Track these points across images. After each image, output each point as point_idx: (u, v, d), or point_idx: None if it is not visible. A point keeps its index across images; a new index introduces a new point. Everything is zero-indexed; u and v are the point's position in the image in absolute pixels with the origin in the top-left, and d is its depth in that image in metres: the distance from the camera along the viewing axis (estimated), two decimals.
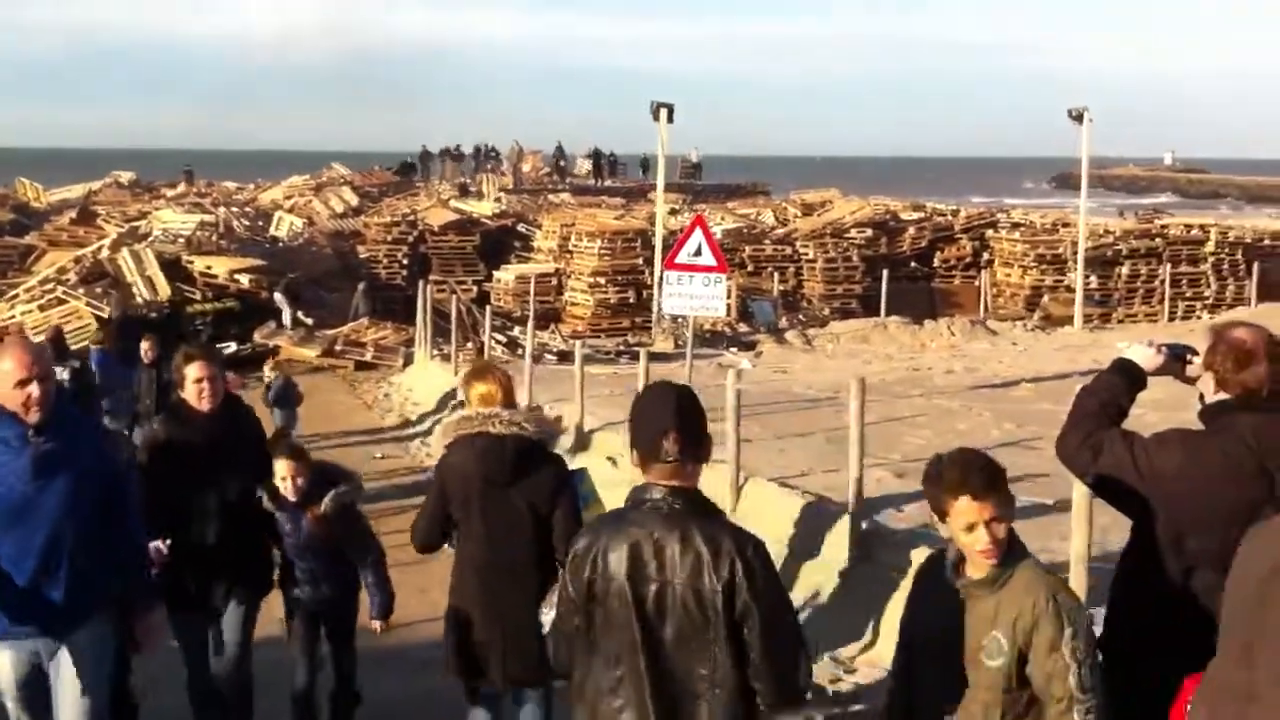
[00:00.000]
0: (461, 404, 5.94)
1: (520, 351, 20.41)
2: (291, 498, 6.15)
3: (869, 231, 31.98)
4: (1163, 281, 30.61)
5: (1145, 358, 4.30)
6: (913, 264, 32.34)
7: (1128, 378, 4.28)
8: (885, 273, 29.39)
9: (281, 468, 6.16)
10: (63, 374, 11.50)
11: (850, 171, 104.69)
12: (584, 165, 52.56)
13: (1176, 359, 4.29)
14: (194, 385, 5.99)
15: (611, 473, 12.77)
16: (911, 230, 33.04)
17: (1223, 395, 4.04)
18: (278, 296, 24.48)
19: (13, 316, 22.69)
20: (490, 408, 5.36)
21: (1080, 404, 4.28)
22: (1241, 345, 4.00)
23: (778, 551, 9.81)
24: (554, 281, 28.43)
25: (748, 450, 11.61)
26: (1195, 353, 4.25)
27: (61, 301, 22.93)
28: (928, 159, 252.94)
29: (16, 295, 23.95)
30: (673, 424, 3.73)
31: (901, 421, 14.04)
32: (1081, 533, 6.66)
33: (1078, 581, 6.71)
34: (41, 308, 22.84)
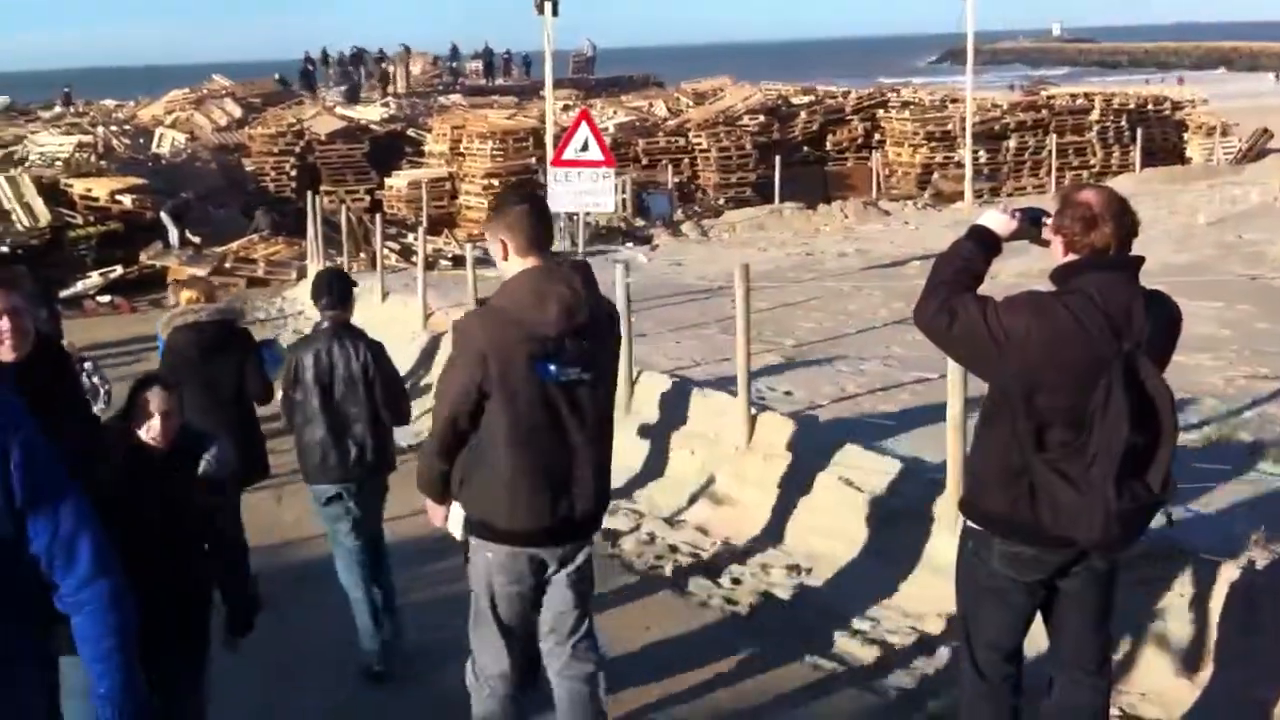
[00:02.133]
0: None
1: (414, 258, 20.20)
2: (162, 444, 4.55)
3: (761, 118, 31.95)
4: (1050, 152, 31.04)
5: (999, 223, 4.39)
6: (805, 148, 32.42)
7: (982, 244, 4.37)
8: (778, 159, 29.43)
9: (153, 400, 4.54)
10: None
11: (742, 58, 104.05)
12: (474, 66, 51.73)
13: (1033, 223, 4.38)
14: None
15: None
16: (803, 115, 33.06)
17: (1073, 257, 4.16)
18: (163, 216, 23.90)
19: None
20: (196, 304, 7.81)
21: (936, 271, 4.38)
22: (1088, 207, 4.10)
23: (674, 440, 9.97)
24: (447, 185, 28.09)
25: (641, 345, 11.69)
26: (1049, 215, 4.34)
27: None
28: (819, 41, 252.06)
29: None
30: (326, 289, 6.90)
31: (794, 307, 14.22)
32: (957, 396, 6.82)
33: (954, 445, 6.90)
34: None
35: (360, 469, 6.70)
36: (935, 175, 30.57)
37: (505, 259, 4.62)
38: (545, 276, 4.52)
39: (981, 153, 29.80)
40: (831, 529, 8.11)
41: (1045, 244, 4.34)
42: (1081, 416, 3.99)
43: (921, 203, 27.31)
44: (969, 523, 4.42)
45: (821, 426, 9.07)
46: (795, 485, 8.60)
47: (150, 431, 4.55)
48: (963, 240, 4.44)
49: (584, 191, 14.20)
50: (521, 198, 4.80)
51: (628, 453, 10.37)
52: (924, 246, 18.65)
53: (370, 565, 6.82)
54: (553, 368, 4.47)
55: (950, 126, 31.19)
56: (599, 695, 4.86)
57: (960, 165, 28.71)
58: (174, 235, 23.71)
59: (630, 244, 22.34)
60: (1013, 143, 31.32)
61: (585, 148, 14.17)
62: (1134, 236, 4.15)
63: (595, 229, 22.86)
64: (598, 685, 4.86)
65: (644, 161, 29.96)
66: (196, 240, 23.81)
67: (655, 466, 10.01)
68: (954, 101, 32.82)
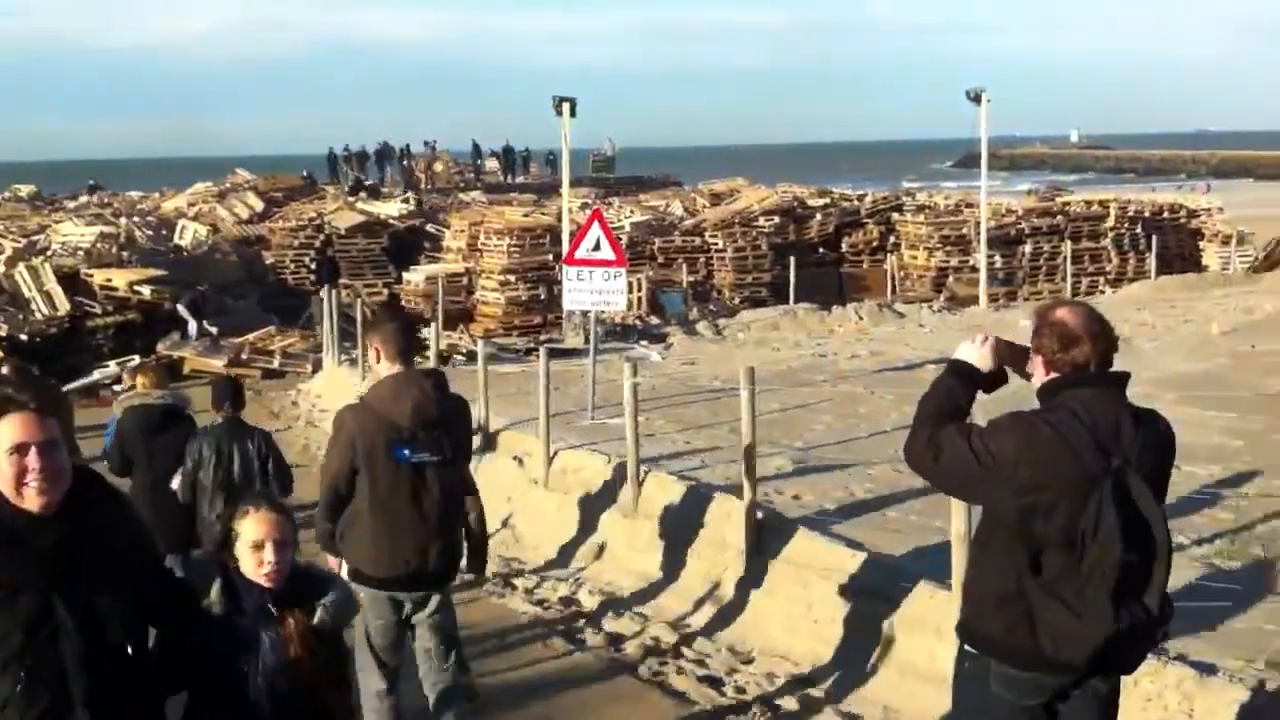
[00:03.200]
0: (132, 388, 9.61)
1: (428, 353, 20.26)
2: (268, 583, 3.69)
3: (777, 219, 32.15)
4: (1065, 258, 31.12)
5: (976, 355, 4.35)
6: (821, 250, 32.57)
7: (962, 378, 4.33)
8: (793, 260, 29.58)
9: (257, 527, 3.71)
10: None
11: (760, 160, 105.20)
12: (492, 164, 52.37)
13: (1020, 352, 4.34)
14: (11, 463, 3.21)
15: (517, 472, 12.78)
16: (819, 216, 33.27)
17: (1054, 375, 4.14)
18: (180, 309, 24.09)
19: None
20: (148, 389, 8.90)
21: (919, 410, 4.35)
22: (1064, 325, 4.09)
23: (680, 544, 9.87)
24: (464, 281, 28.26)
25: (650, 444, 11.66)
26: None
27: None
28: (837, 144, 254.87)
29: None
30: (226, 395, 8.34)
31: (805, 408, 14.17)
32: (960, 514, 6.75)
33: (958, 560, 6.81)
34: None
35: None
36: (950, 279, 30.65)
37: (378, 362, 6.01)
38: (405, 381, 5.85)
39: (997, 257, 29.90)
40: (837, 637, 8.00)
41: (1027, 377, 4.32)
42: (1073, 538, 3.93)
43: (937, 306, 27.33)
44: (967, 646, 4.34)
45: (829, 532, 8.99)
46: (801, 592, 8.51)
47: (262, 568, 3.70)
48: (943, 375, 4.42)
49: (596, 291, 14.24)
50: (393, 317, 7.27)
51: (633, 554, 10.32)
52: (938, 350, 18.62)
53: None
54: (406, 451, 5.78)
55: (965, 231, 31.32)
56: (463, 700, 6.26)
57: (975, 269, 28.79)
58: (192, 326, 23.88)
59: (644, 342, 22.39)
60: (1028, 248, 31.42)
61: (597, 247, 14.24)
62: (1114, 352, 4.12)
63: (610, 326, 22.95)
64: (461, 693, 6.23)
65: (660, 260, 30.13)
66: (214, 331, 23.95)
67: (661, 570, 9.92)
68: (969, 206, 33.02)
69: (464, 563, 6.75)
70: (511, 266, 27.29)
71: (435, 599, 6.02)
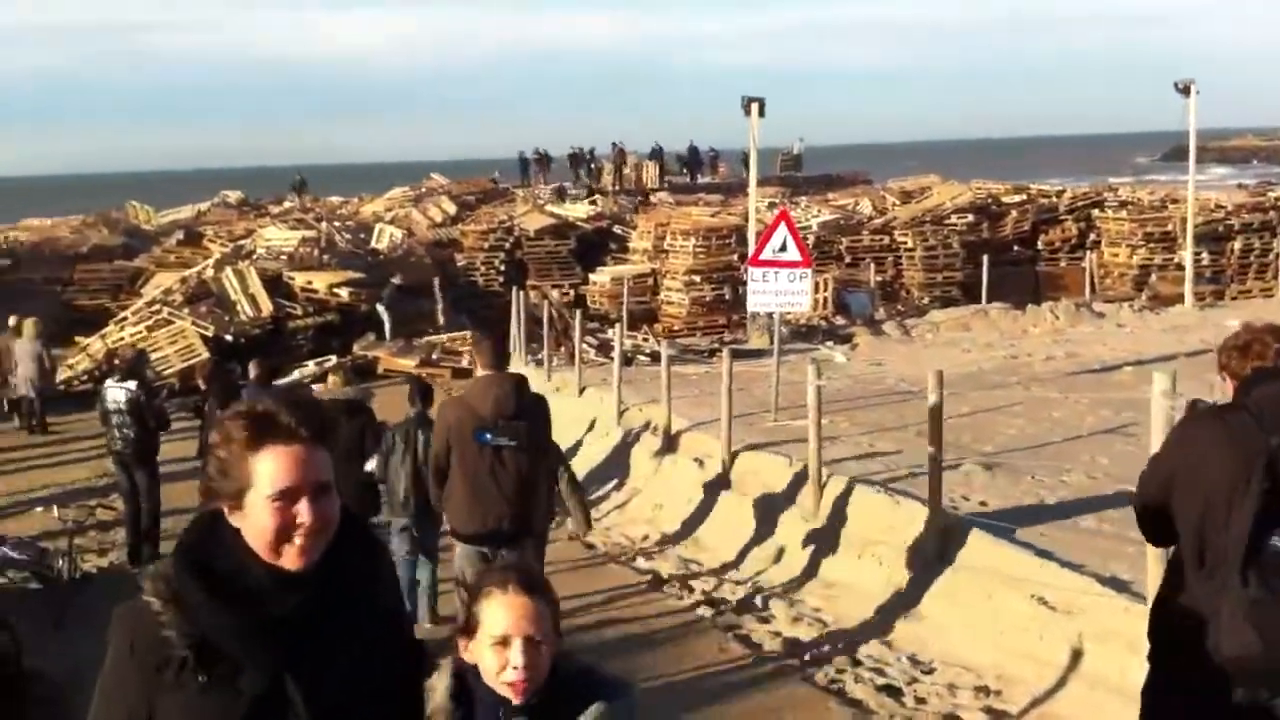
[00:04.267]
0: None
1: (613, 354, 20.36)
2: (514, 696, 2.68)
3: (970, 217, 31.36)
4: (1277, 255, 29.50)
5: None
6: (1016, 248, 31.63)
7: None
8: (986, 258, 28.76)
9: (503, 615, 2.70)
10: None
11: (953, 155, 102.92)
12: (676, 165, 52.38)
13: None
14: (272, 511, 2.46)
15: (697, 473, 12.70)
16: (1014, 213, 32.32)
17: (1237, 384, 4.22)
18: (380, 309, 24.71)
19: (122, 338, 23.28)
20: (338, 387, 10.87)
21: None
22: (1237, 335, 4.31)
23: (861, 548, 9.63)
24: (649, 281, 28.35)
25: (833, 447, 11.43)
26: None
27: (168, 322, 23.48)
28: (1036, 138, 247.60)
29: (125, 318, 24.58)
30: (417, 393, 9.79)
31: (997, 412, 13.72)
32: None
33: (1153, 570, 6.43)
34: (149, 329, 23.40)
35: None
36: (1153, 277, 29.36)
37: (479, 368, 7.52)
38: (493, 382, 7.25)
39: (1204, 254, 28.53)
40: (1024, 650, 7.67)
41: None
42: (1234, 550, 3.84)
43: (1138, 305, 26.19)
44: (1153, 651, 4.25)
45: (1017, 540, 8.63)
46: (987, 602, 8.19)
47: (504, 673, 2.67)
48: None
49: (781, 292, 14.05)
50: (489, 335, 8.69)
51: (813, 558, 10.11)
52: (1138, 351, 17.85)
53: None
54: (487, 435, 7.10)
55: (1170, 227, 29.98)
56: None
57: (1180, 267, 27.51)
58: (388, 327, 24.50)
59: (829, 343, 22.06)
60: (1238, 244, 29.89)
61: (783, 248, 14.05)
62: None
63: (794, 327, 22.68)
64: None
65: (847, 259, 29.70)
66: (388, 337, 24.55)
67: (841, 575, 9.71)
68: (1174, 201, 31.59)
69: (571, 524, 8.87)
70: (696, 267, 27.27)
71: (514, 553, 7.03)
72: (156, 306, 24.46)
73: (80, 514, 12.02)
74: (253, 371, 12.57)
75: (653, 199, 40.92)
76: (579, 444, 15.82)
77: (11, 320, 21.09)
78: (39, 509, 12.95)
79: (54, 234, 38.44)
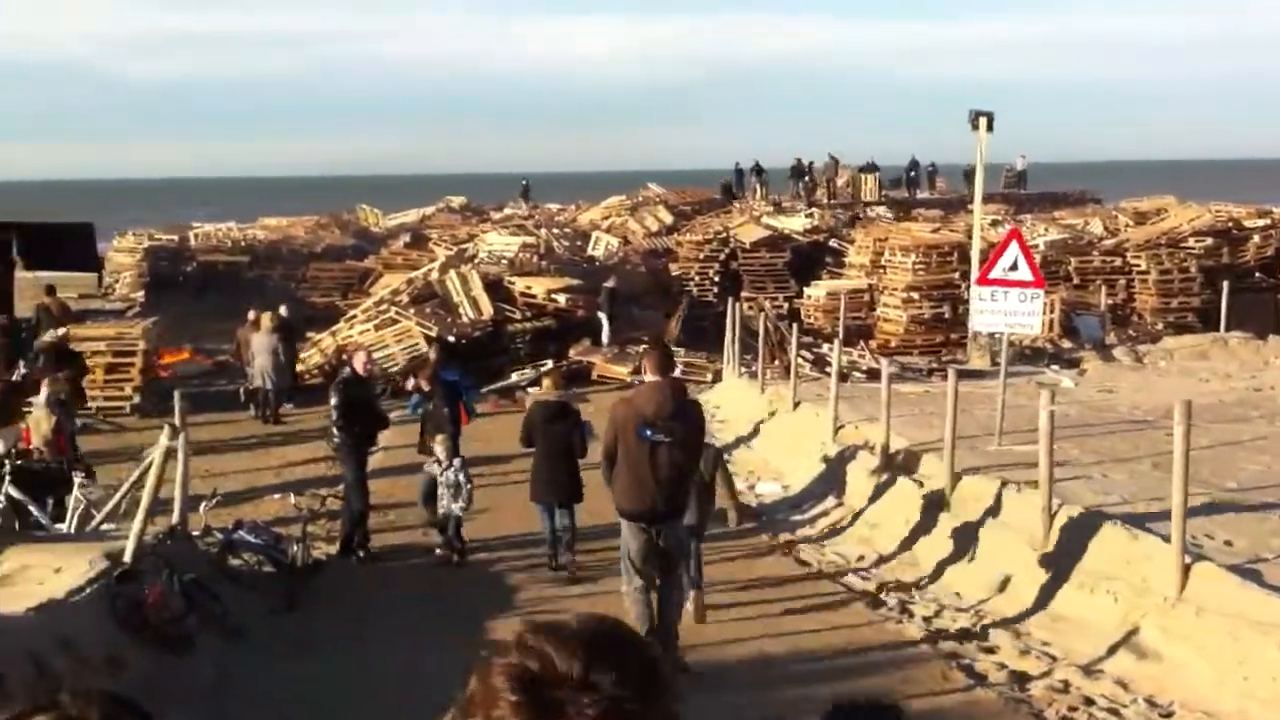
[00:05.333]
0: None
1: (828, 369, 20.07)
2: None
3: (1209, 240, 29.87)
4: None
5: None
6: (1258, 274, 29.97)
7: None
8: (1226, 284, 27.31)
9: None
10: None
11: (1189, 176, 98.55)
12: (866, 179, 51.31)
13: None
14: None
15: (916, 494, 12.39)
16: (1256, 238, 30.66)
17: None
18: (600, 316, 24.89)
19: (350, 335, 24.13)
20: (551, 390, 12.39)
21: None
22: None
23: (1093, 582, 9.20)
24: (866, 297, 27.90)
25: (1063, 474, 10.98)
26: None
27: (394, 321, 24.22)
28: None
29: (355, 315, 25.48)
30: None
31: (1238, 446, 12.97)
32: None
33: None
34: (377, 327, 24.19)
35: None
36: None
37: (647, 375, 8.84)
38: (657, 387, 8.54)
39: None
40: (1273, 697, 7.18)
41: None
42: None
43: None
44: None
45: (1266, 583, 8.10)
46: (1232, 646, 7.71)
47: None
48: None
49: (1010, 312, 13.60)
50: (656, 345, 10.98)
51: (1041, 589, 9.72)
52: None
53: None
54: (648, 432, 8.32)
55: None
56: (682, 600, 9.13)
57: None
58: (606, 332, 24.68)
59: (1055, 366, 21.29)
60: None
61: (1014, 267, 13.60)
62: None
63: (1018, 349, 21.96)
64: (683, 594, 9.23)
65: (1075, 281, 28.65)
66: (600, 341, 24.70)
67: (1071, 608, 9.30)
68: None
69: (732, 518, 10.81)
70: (916, 284, 26.71)
71: (667, 530, 8.55)
72: (384, 306, 25.27)
73: (312, 502, 12.44)
74: (433, 355, 13.67)
75: (870, 213, 40.33)
76: (792, 459, 15.65)
77: (251, 314, 22.10)
78: (276, 496, 13.46)
79: (290, 233, 40.29)
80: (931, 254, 27.39)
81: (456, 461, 12.19)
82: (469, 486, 12.10)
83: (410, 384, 15.98)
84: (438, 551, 12.21)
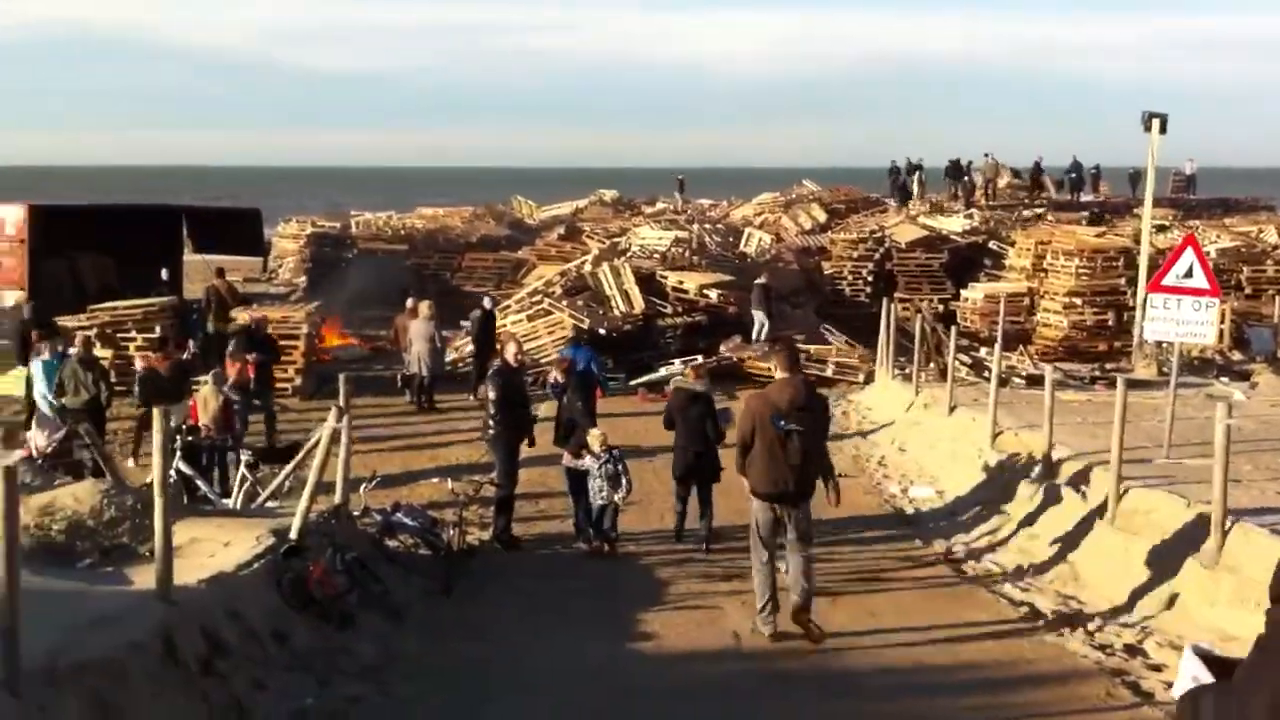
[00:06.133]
0: None
1: (986, 373, 19.63)
2: None
3: None
4: None
5: None
6: None
7: None
8: None
9: None
10: None
11: None
12: (1050, 180, 49.97)
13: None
14: None
15: (1079, 506, 12.03)
16: None
17: None
18: (755, 314, 24.71)
19: (503, 325, 24.44)
20: (692, 379, 13.37)
21: None
22: None
23: (1264, 604, 8.79)
24: (1025, 301, 27.23)
25: (1236, 491, 10.54)
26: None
27: (547, 313, 24.45)
28: None
29: (509, 305, 25.79)
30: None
31: None
32: None
33: None
34: (529, 318, 24.45)
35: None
36: None
37: (778, 371, 9.81)
38: (787, 383, 9.56)
39: None
40: None
41: None
42: None
43: None
44: None
45: None
46: None
47: None
48: None
49: (1183, 321, 13.11)
50: (785, 347, 10.77)
51: (1211, 610, 9.36)
52: None
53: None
54: (781, 422, 9.30)
55: None
56: (810, 570, 9.78)
57: None
58: (761, 328, 24.50)
59: (1224, 378, 20.51)
60: None
61: (1189, 274, 13.10)
62: None
63: (1185, 359, 21.19)
64: (810, 564, 9.79)
65: (1248, 291, 27.56)
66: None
67: (1245, 631, 8.84)
68: None
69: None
70: (1078, 289, 25.98)
71: (796, 511, 9.57)
72: (537, 297, 25.54)
73: (468, 488, 12.62)
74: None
75: (1030, 215, 39.35)
76: (948, 464, 15.35)
77: (409, 301, 22.54)
78: (434, 480, 13.68)
79: (446, 223, 41.00)
80: (1096, 258, 26.62)
81: (615, 452, 12.29)
82: (628, 478, 12.22)
83: (550, 376, 16.12)
84: (589, 544, 12.28)
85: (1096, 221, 33.85)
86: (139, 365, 16.54)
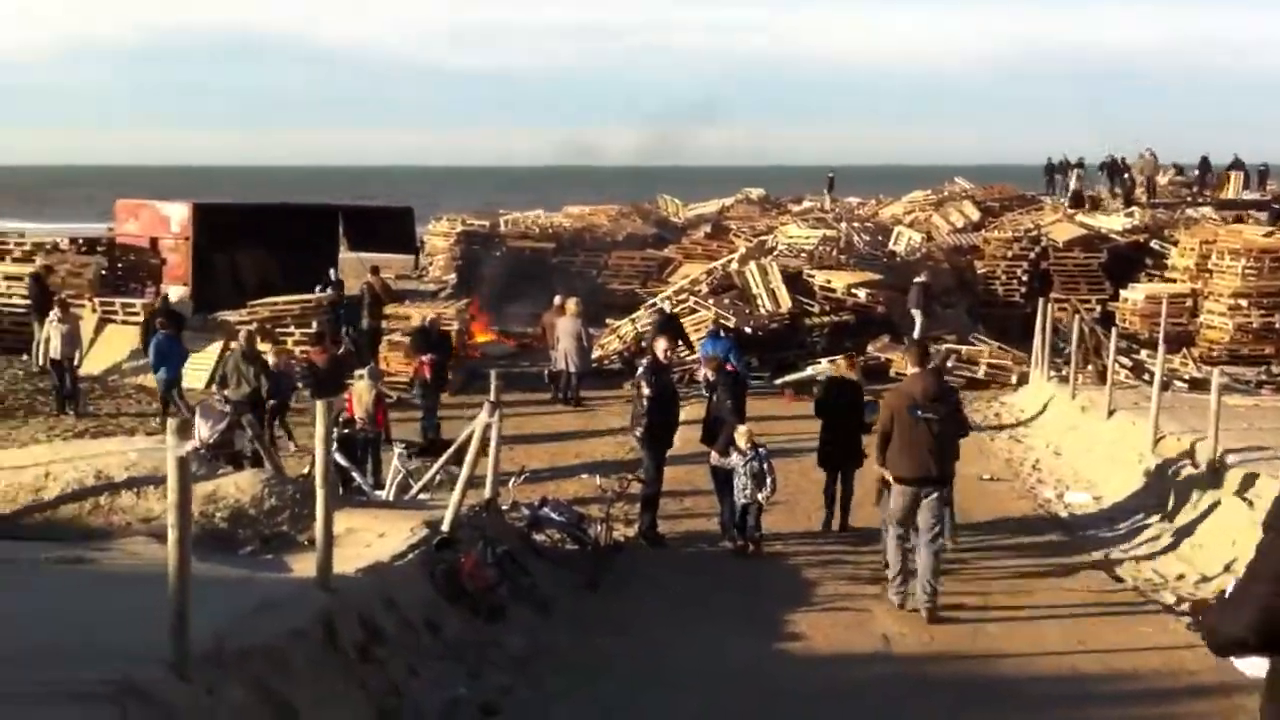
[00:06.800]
0: None
1: (1146, 376, 19.04)
2: None
3: None
4: None
5: None
6: None
7: None
8: None
9: None
10: None
11: None
12: (1232, 177, 48.23)
13: None
14: None
15: (1245, 514, 11.55)
16: None
17: None
18: (914, 310, 24.33)
19: (648, 325, 24.51)
20: (843, 369, 14.08)
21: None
22: None
23: None
24: (1188, 303, 26.31)
25: None
26: None
27: (693, 311, 24.45)
28: None
29: (654, 304, 25.82)
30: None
31: None
32: None
33: None
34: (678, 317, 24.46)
35: None
36: None
37: (909, 367, 10.76)
38: (920, 376, 10.45)
39: None
40: None
41: None
42: None
43: None
44: None
45: None
46: None
47: None
48: None
49: None
50: (916, 344, 13.22)
51: None
52: None
53: None
54: (918, 411, 10.12)
55: None
56: (940, 555, 10.38)
57: None
58: (919, 325, 24.12)
59: None
60: None
61: None
62: None
63: None
64: (940, 552, 10.39)
65: None
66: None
67: None
68: None
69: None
70: (1245, 290, 25.02)
71: (933, 494, 10.22)
72: (684, 295, 25.56)
73: (614, 484, 12.66)
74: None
75: (1193, 214, 38.01)
76: (1105, 469, 14.91)
77: (557, 299, 22.77)
78: (583, 475, 13.77)
79: (593, 221, 41.29)
80: (1264, 259, 25.59)
81: (761, 451, 12.19)
82: (773, 477, 12.08)
83: (700, 374, 16.09)
84: (735, 542, 12.23)
85: (1277, 220, 32.52)
86: (274, 359, 16.98)
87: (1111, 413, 16.54)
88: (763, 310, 24.65)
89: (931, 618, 9.98)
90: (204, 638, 6.45)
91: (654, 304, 24.97)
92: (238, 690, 6.44)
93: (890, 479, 10.37)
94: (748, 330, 23.61)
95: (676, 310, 23.53)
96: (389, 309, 23.90)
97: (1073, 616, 10.23)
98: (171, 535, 6.40)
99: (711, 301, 24.63)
